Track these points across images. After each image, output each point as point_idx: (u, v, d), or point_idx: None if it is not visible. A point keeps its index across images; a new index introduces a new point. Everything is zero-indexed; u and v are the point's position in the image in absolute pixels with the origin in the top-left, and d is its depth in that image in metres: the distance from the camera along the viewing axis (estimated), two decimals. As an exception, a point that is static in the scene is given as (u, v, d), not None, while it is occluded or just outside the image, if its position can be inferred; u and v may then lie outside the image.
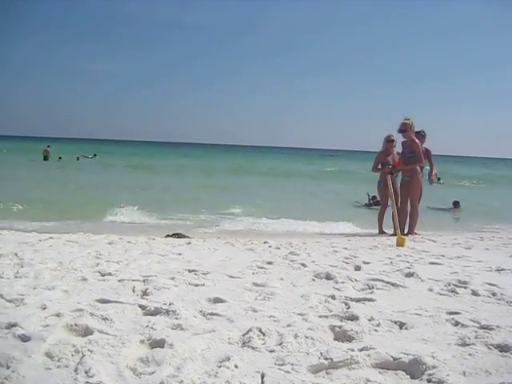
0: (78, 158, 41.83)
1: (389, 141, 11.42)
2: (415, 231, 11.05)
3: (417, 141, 10.82)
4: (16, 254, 5.81)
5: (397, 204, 10.78)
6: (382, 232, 11.43)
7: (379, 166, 11.39)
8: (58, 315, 3.45)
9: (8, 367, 2.55)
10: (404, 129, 10.86)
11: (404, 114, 11.00)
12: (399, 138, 11.14)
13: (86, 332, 3.14)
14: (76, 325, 3.21)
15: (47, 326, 3.21)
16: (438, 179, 28.68)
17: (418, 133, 11.25)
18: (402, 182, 11.00)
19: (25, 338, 2.95)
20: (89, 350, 2.80)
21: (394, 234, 10.35)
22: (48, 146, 41.56)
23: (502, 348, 2.94)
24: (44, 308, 3.66)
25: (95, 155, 47.07)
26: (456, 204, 18.12)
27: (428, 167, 11.45)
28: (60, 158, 39.72)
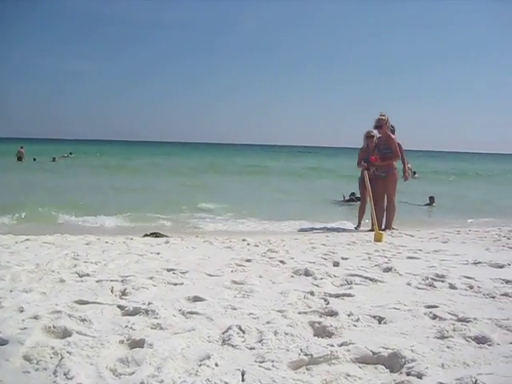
0: (53, 159, 41.08)
1: (369, 136, 11.48)
2: (393, 226, 11.13)
3: (393, 136, 10.90)
4: (-8, 257, 5.76)
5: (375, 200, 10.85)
6: (359, 227, 11.50)
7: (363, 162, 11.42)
8: (35, 318, 3.41)
9: (-15, 371, 2.52)
10: (380, 125, 10.95)
11: (381, 108, 11.09)
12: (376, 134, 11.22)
13: (65, 334, 3.12)
14: (54, 327, 3.18)
15: (25, 328, 3.18)
16: (414, 173, 28.88)
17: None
18: (378, 178, 11.04)
19: (2, 342, 2.92)
20: (68, 351, 2.78)
21: (372, 230, 10.43)
22: (21, 147, 40.64)
23: (480, 340, 2.98)
24: (21, 311, 3.62)
25: (71, 153, 46.72)
26: (431, 199, 18.24)
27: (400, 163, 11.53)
28: (35, 159, 38.94)
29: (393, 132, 11.26)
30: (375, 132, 11.25)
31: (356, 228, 11.51)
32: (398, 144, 11.28)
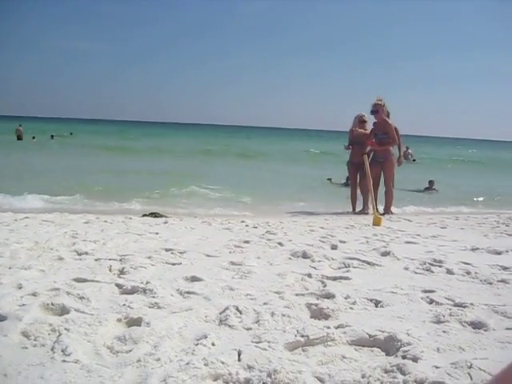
0: (52, 137, 41.16)
1: (361, 121, 11.40)
2: (391, 211, 11.13)
3: (390, 121, 10.83)
4: (-9, 234, 5.77)
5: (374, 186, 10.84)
6: (354, 211, 11.42)
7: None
8: (34, 294, 3.43)
9: (-16, 346, 2.53)
10: (376, 110, 10.86)
11: (377, 94, 11.01)
12: (371, 120, 11.17)
13: (63, 311, 3.14)
14: (52, 304, 3.20)
15: (23, 305, 3.20)
16: (414, 160, 28.81)
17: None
18: (374, 164, 10.94)
19: (1, 318, 2.94)
20: (65, 328, 2.79)
21: (364, 213, 10.61)
22: (20, 125, 40.30)
23: (476, 325, 2.99)
24: (20, 287, 3.64)
25: (71, 133, 46.58)
26: (431, 183, 18.20)
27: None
28: (34, 137, 38.80)
29: (387, 117, 11.18)
30: (370, 117, 11.17)
31: (352, 213, 11.38)
32: (395, 129, 11.22)
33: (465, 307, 3.32)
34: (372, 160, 10.91)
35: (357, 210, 11.40)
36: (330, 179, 18.35)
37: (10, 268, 4.28)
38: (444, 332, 2.87)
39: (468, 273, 4.47)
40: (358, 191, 11.44)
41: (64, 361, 2.41)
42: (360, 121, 11.41)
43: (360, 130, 11.32)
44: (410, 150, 28.76)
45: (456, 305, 3.41)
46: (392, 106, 11.19)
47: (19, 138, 38.18)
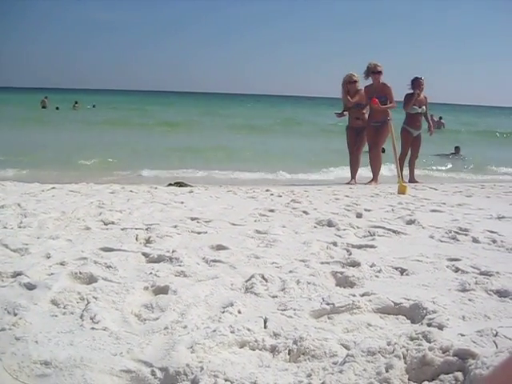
0: (75, 103, 42.42)
1: (351, 82, 10.77)
2: (416, 179, 11.07)
3: (389, 85, 10.61)
4: (19, 205, 5.83)
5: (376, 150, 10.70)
6: (354, 179, 10.96)
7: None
8: (62, 264, 3.48)
9: (15, 314, 2.59)
10: (379, 71, 10.47)
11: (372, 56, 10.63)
12: (363, 82, 10.79)
13: (91, 280, 3.18)
14: (80, 273, 3.25)
15: (52, 274, 3.25)
16: (440, 125, 28.31)
17: (416, 79, 11.03)
18: (367, 128, 10.69)
19: (30, 287, 3.00)
20: (94, 297, 2.84)
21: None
22: (46, 97, 42.15)
23: (501, 293, 2.98)
24: (48, 257, 3.69)
25: (94, 106, 46.66)
26: (457, 149, 18.03)
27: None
28: (57, 107, 39.71)
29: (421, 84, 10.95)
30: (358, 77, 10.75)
31: (349, 183, 10.84)
32: (425, 97, 11.06)
33: (490, 276, 3.31)
34: (367, 124, 10.69)
35: (366, 181, 10.95)
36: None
37: (38, 238, 4.34)
38: (469, 300, 2.86)
39: (494, 241, 4.44)
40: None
41: (93, 328, 2.45)
42: (350, 81, 10.76)
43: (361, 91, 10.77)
44: (442, 120, 28.52)
45: (482, 273, 3.39)
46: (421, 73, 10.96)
47: (44, 107, 39.95)
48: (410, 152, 11.21)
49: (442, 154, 17.49)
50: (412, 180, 11.14)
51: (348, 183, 10.79)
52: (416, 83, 10.98)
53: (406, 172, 11.50)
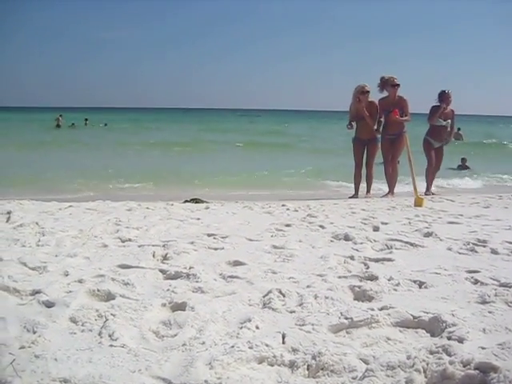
0: (86, 122, 44.33)
1: (363, 92, 10.69)
2: (432, 192, 11.04)
3: (405, 98, 10.58)
4: (37, 223, 5.85)
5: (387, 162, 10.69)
6: (357, 194, 10.85)
7: (353, 123, 10.91)
8: (80, 281, 3.50)
9: (34, 332, 2.60)
10: (398, 84, 10.51)
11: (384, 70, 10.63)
12: (376, 94, 10.81)
13: (109, 297, 3.19)
14: (98, 290, 3.26)
15: (70, 291, 3.26)
16: (459, 137, 28.09)
17: (444, 92, 10.99)
18: (382, 141, 10.71)
19: (49, 304, 3.01)
20: (112, 314, 2.84)
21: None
22: (60, 115, 43.38)
23: (522, 305, 2.95)
24: (66, 275, 3.71)
25: (105, 124, 47.21)
26: (463, 160, 17.97)
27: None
28: (73, 124, 42.09)
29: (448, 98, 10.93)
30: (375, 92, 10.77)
31: (353, 197, 10.73)
32: (453, 110, 11.04)
33: (510, 287, 3.28)
34: (382, 137, 10.70)
35: (381, 194, 10.98)
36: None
37: (56, 256, 4.36)
38: (490, 312, 2.84)
39: (513, 252, 4.41)
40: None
41: (111, 345, 2.46)
42: (362, 91, 10.67)
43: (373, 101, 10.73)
44: (460, 132, 28.43)
45: (501, 285, 3.36)
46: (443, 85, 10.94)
47: (58, 125, 41.43)
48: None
49: (449, 167, 17.41)
50: (428, 191, 11.12)
51: (352, 197, 10.71)
52: (443, 96, 10.99)
53: (439, 182, 11.52)
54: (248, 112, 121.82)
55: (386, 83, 10.54)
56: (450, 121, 11.07)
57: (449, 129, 11.19)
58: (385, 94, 10.69)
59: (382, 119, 10.65)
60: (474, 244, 4.74)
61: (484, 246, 4.65)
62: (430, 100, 11.12)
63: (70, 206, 7.76)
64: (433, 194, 11.04)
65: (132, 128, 43.36)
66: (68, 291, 3.28)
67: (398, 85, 10.49)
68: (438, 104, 11.01)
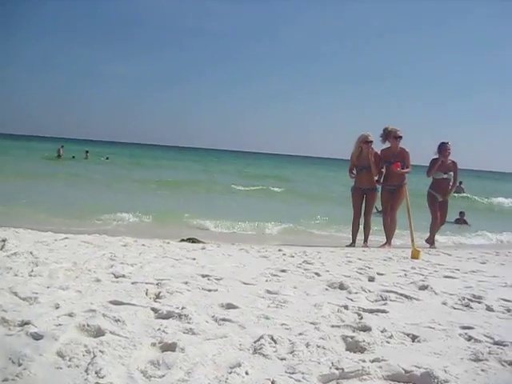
0: (86, 154, 44.52)
1: (368, 141, 10.74)
2: (431, 243, 11.04)
3: (407, 150, 10.62)
4: (31, 253, 5.83)
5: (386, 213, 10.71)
6: (354, 243, 10.82)
7: (354, 171, 10.97)
8: (70, 315, 3.46)
9: (20, 365, 2.56)
10: (401, 136, 10.57)
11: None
12: (378, 145, 10.91)
13: (98, 333, 3.16)
14: (88, 325, 3.22)
15: (60, 325, 3.23)
16: (460, 190, 28.18)
17: (443, 144, 11.04)
18: (382, 191, 10.77)
19: (37, 337, 2.97)
20: (100, 350, 2.81)
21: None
22: (62, 146, 44.50)
23: (516, 365, 2.92)
24: (57, 307, 3.67)
25: (107, 158, 47.56)
26: (461, 214, 17.96)
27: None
28: (73, 156, 42.59)
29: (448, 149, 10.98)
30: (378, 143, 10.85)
31: (350, 246, 10.70)
32: (454, 162, 11.06)
33: (505, 346, 3.25)
34: (381, 187, 10.74)
35: (380, 244, 10.93)
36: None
37: (48, 287, 4.32)
38: (482, 371, 2.80)
39: (508, 310, 4.38)
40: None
41: (97, 383, 2.42)
42: (366, 141, 10.74)
43: (373, 151, 10.81)
44: (462, 185, 28.56)
45: (495, 343, 3.33)
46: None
47: (59, 156, 42.74)
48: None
49: (447, 220, 17.42)
50: (430, 242, 11.12)
51: (349, 246, 10.68)
52: (442, 148, 11.02)
53: (439, 238, 11.54)
54: (245, 154, 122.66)
55: (389, 134, 10.60)
56: (451, 173, 11.09)
57: (452, 181, 11.21)
58: (387, 144, 10.75)
59: (384, 169, 10.72)
60: (469, 300, 4.71)
61: (479, 303, 4.62)
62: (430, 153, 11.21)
63: (66, 238, 7.74)
64: (434, 246, 11.05)
65: (132, 163, 43.67)
66: (57, 324, 3.24)
67: (401, 137, 10.55)
68: (437, 157, 11.06)
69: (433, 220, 11.32)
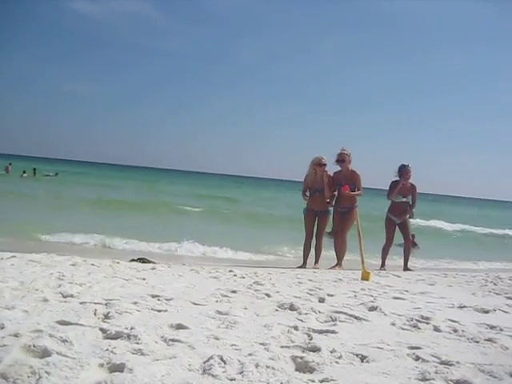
0: (34, 170, 44.35)
1: (321, 164, 10.89)
2: (383, 266, 11.15)
3: (358, 172, 10.77)
4: (-24, 272, 5.71)
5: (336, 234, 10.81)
6: (305, 265, 10.83)
7: (307, 193, 11.08)
8: (16, 335, 3.38)
9: (-39, 387, 2.49)
10: (342, 159, 10.72)
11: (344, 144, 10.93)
12: (331, 168, 11.02)
13: (44, 353, 3.08)
14: (34, 346, 3.15)
15: (4, 345, 3.14)
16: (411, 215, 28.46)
17: (403, 166, 11.15)
18: (334, 213, 10.91)
19: (-19, 358, 2.89)
20: (46, 371, 2.74)
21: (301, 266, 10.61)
22: (10, 163, 44.81)
23: (461, 384, 2.96)
24: (2, 328, 3.58)
25: (56, 174, 47.23)
26: (412, 237, 18.18)
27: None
28: (24, 172, 42.58)
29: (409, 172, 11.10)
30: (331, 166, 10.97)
31: (301, 267, 10.69)
32: (413, 185, 11.16)
33: (451, 365, 3.30)
34: (333, 209, 10.87)
35: (330, 265, 10.98)
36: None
37: (-7, 307, 4.23)
38: (429, 390, 2.84)
39: (455, 330, 4.45)
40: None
41: (42, 405, 2.37)
42: (319, 164, 10.90)
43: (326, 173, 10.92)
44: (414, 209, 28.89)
45: (442, 362, 3.38)
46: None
47: (7, 173, 43.16)
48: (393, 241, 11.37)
49: (398, 243, 17.65)
50: (406, 268, 11.22)
51: (300, 267, 10.70)
52: (403, 171, 11.11)
53: (389, 262, 11.64)
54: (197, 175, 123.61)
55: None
56: (410, 196, 11.22)
57: (410, 204, 11.34)
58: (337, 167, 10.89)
59: (336, 192, 10.83)
60: (417, 320, 4.77)
61: (427, 323, 4.68)
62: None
63: (13, 257, 7.59)
64: (410, 269, 11.16)
65: (79, 182, 43.31)
66: (2, 345, 3.16)
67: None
68: (397, 179, 11.15)
69: (386, 243, 11.45)
